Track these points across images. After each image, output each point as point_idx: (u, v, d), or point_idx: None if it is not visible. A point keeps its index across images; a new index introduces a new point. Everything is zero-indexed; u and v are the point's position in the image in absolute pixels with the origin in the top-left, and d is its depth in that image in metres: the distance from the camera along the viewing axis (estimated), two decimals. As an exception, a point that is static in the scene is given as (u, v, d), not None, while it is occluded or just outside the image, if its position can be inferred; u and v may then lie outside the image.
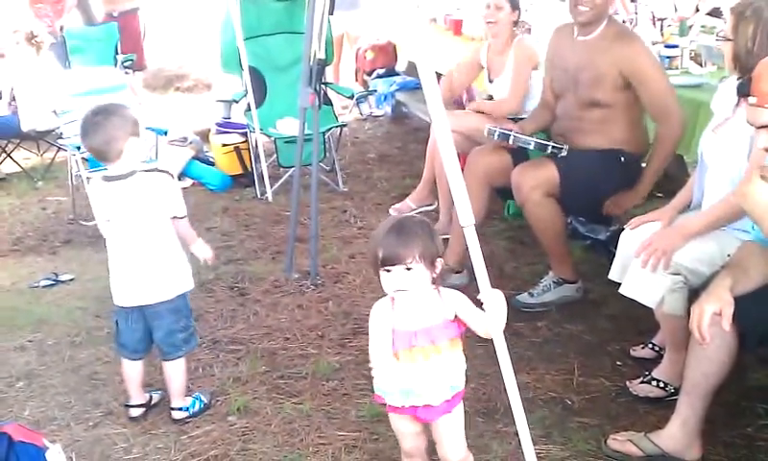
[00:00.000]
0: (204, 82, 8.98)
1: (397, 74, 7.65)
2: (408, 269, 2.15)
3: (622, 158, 3.61)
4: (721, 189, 2.83)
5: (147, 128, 4.99)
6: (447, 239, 4.08)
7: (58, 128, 5.77)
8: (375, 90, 7.66)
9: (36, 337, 3.79)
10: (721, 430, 2.79)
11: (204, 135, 6.39)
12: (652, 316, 2.99)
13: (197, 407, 3.09)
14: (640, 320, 3.35)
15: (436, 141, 4.29)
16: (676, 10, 5.62)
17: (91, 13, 8.05)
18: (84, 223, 5.11)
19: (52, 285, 4.37)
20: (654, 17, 5.20)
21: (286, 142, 5.43)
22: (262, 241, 4.83)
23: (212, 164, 6.10)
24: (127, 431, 3.02)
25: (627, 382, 3.11)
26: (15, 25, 6.16)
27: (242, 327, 3.76)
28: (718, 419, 2.77)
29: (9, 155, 6.41)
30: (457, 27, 6.14)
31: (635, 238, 3.03)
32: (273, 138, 5.63)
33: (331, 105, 5.88)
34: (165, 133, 5.78)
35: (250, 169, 5.84)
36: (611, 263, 3.21)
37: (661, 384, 3.01)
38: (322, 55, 4.18)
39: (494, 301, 2.20)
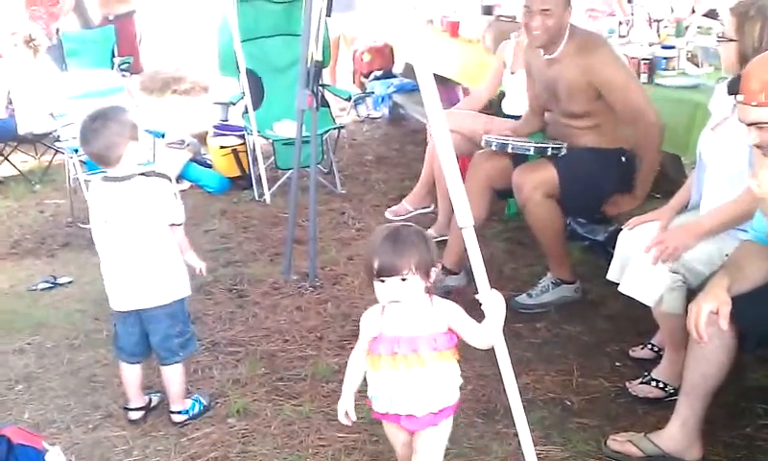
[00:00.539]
0: (201, 84, 8.97)
1: (395, 76, 7.65)
2: (403, 280, 2.12)
3: (623, 158, 3.63)
4: (720, 188, 2.84)
5: (144, 131, 4.98)
6: (446, 240, 4.09)
7: (55, 130, 5.76)
8: (373, 92, 7.65)
9: (34, 340, 3.78)
10: (721, 430, 2.80)
11: (202, 138, 6.38)
12: (650, 317, 3.00)
13: (196, 409, 3.09)
14: (639, 320, 3.36)
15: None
16: (672, 11, 5.62)
17: (88, 17, 8.06)
18: (81, 226, 5.10)
19: (50, 288, 4.37)
20: (650, 18, 5.20)
21: (284, 144, 5.43)
22: (260, 243, 4.83)
23: (210, 167, 6.10)
24: (126, 434, 3.02)
25: (626, 383, 3.12)
26: (13, 27, 6.15)
27: (241, 329, 3.76)
28: (718, 419, 2.77)
29: (6, 158, 6.40)
30: (454, 29, 6.15)
31: (633, 238, 3.04)
32: (270, 140, 5.63)
33: (329, 107, 5.88)
34: (162, 136, 5.78)
35: (247, 171, 5.84)
36: (609, 264, 3.22)
37: (661, 385, 3.02)
38: (319, 57, 4.18)
39: (493, 302, 2.21)
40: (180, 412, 3.06)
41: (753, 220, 2.59)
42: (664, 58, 4.41)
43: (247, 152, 5.81)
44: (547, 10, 3.51)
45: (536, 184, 3.57)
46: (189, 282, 3.04)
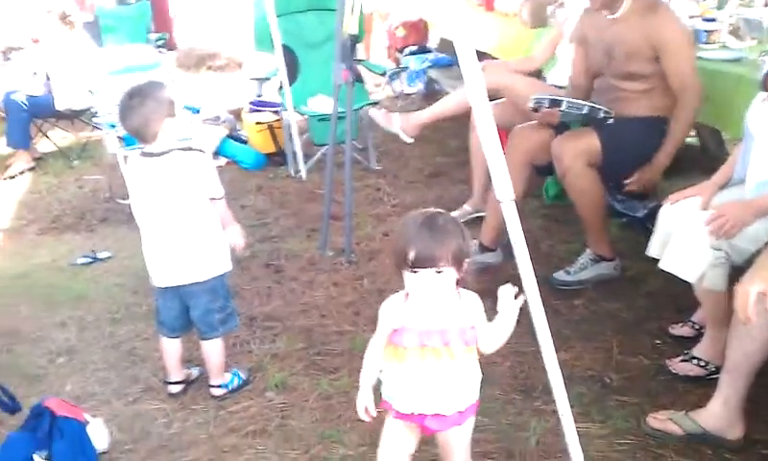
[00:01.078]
0: (236, 60, 8.98)
1: (429, 51, 7.60)
2: (439, 272, 1.98)
3: (665, 127, 3.56)
4: (768, 161, 2.78)
5: (181, 107, 5.00)
6: (480, 217, 4.06)
7: (93, 106, 5.82)
8: (407, 67, 7.61)
9: (75, 314, 3.84)
10: (764, 410, 2.75)
11: (237, 114, 6.41)
12: (691, 294, 2.96)
13: (235, 383, 3.12)
14: (679, 298, 3.31)
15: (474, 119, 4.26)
16: (714, -18, 5.49)
17: (123, -7, 8.11)
18: (120, 201, 5.16)
19: (90, 263, 4.43)
20: (692, -10, 5.09)
21: (319, 120, 5.42)
22: (296, 219, 4.85)
23: (245, 143, 6.12)
24: (166, 407, 3.05)
25: (666, 361, 3.09)
26: (48, 5, 6.20)
27: (278, 304, 3.78)
28: (761, 398, 2.73)
29: (45, 134, 6.48)
30: (489, 2, 6.06)
31: (675, 214, 2.99)
32: (306, 116, 5.62)
33: (363, 82, 5.85)
34: (198, 112, 5.81)
35: (283, 147, 5.85)
36: (648, 240, 3.17)
37: (702, 363, 2.98)
38: (354, 31, 4.16)
39: (511, 303, 2.13)
40: (219, 386, 3.09)
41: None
42: (706, 31, 4.31)
43: (282, 128, 5.82)
44: None
45: (577, 153, 3.52)
46: (229, 258, 3.06)
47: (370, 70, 6.19)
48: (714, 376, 2.74)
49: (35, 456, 2.65)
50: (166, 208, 2.89)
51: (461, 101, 4.45)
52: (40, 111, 6.24)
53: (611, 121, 3.59)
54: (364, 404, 2.13)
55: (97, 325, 3.71)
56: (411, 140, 4.67)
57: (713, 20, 4.44)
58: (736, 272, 2.59)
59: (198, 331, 3.08)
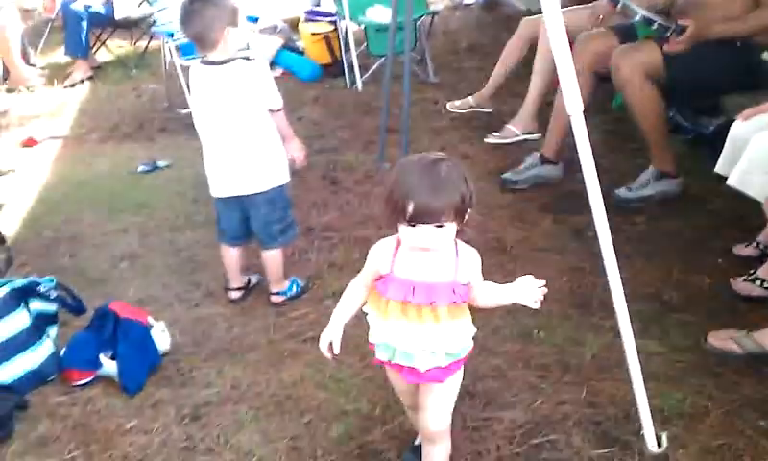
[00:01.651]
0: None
1: (489, -41, 7.38)
2: (439, 227, 1.78)
3: (738, 43, 3.41)
4: None
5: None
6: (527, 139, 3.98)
7: (151, 15, 5.81)
8: (466, -24, 7.43)
9: (136, 220, 3.91)
10: (828, 331, 2.70)
11: (293, 24, 6.34)
12: (757, 214, 2.88)
13: (294, 291, 3.16)
14: (744, 218, 3.23)
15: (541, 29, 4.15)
16: None
17: None
18: (178, 111, 5.19)
19: (150, 171, 4.49)
20: None
21: (376, 30, 5.34)
22: (353, 131, 4.82)
23: (301, 53, 6.06)
24: (227, 312, 3.12)
25: (730, 280, 3.02)
26: None
27: (335, 216, 3.80)
28: (826, 320, 2.68)
29: (103, 43, 6.52)
30: None
31: (747, 130, 2.89)
32: (363, 26, 5.54)
33: (422, -8, 5.73)
34: (256, 21, 5.76)
35: (339, 58, 5.79)
36: (715, 158, 3.08)
37: (766, 284, 2.92)
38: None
39: (527, 284, 1.92)
40: (278, 293, 3.14)
41: None
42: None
43: (339, 38, 5.75)
44: None
45: (635, 65, 3.41)
46: (288, 169, 3.06)
47: (428, -21, 6.04)
48: (779, 298, 2.69)
49: (100, 356, 2.74)
50: (226, 118, 2.88)
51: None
52: (99, 21, 6.26)
53: (668, 34, 3.44)
54: (329, 339, 1.95)
55: (158, 231, 3.78)
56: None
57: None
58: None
59: (258, 241, 3.11)
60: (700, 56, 3.40)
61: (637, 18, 3.52)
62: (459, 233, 1.86)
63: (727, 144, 3.00)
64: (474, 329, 1.96)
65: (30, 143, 5.05)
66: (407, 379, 2.00)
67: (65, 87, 6.11)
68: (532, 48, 4.42)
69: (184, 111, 4.96)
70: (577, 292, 3.08)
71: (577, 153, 2.11)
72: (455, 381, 2.02)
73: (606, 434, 2.36)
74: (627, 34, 3.62)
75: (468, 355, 1.99)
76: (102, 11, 6.18)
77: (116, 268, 3.51)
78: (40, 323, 2.82)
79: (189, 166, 4.33)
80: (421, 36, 5.60)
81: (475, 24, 6.95)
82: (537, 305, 1.88)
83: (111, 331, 2.83)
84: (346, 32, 5.56)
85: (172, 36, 5.09)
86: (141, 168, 4.52)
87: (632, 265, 3.19)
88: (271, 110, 2.94)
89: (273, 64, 5.83)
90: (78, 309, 2.96)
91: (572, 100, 2.09)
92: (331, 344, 1.94)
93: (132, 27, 6.43)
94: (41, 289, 2.82)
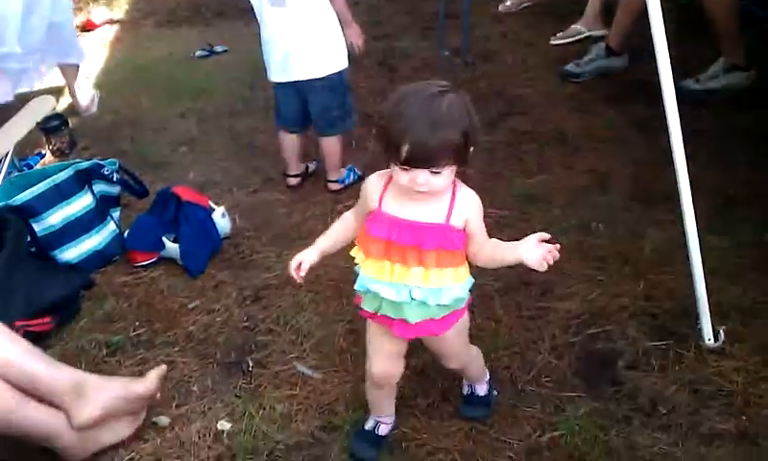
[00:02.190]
0: None
1: None
2: (436, 172, 1.56)
3: None
4: None
5: None
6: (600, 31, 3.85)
7: None
8: None
9: (195, 106, 3.93)
10: None
11: None
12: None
13: (351, 179, 3.17)
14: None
15: None
16: None
17: None
18: (235, -5, 5.13)
19: (207, 56, 4.48)
20: None
21: None
22: (410, 17, 4.72)
23: (359, -64, 5.89)
24: (285, 198, 3.15)
25: (798, 175, 2.94)
26: None
27: (392, 104, 3.75)
28: None
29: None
30: None
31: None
32: None
33: None
34: None
35: (397, -59, 5.60)
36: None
37: (836, 183, 2.83)
38: None
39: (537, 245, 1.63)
40: (336, 181, 3.15)
41: None
42: None
43: None
44: None
45: None
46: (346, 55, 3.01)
47: None
48: None
49: (163, 238, 2.80)
50: (286, 2, 2.83)
51: None
52: None
53: None
54: (298, 260, 1.79)
55: (216, 117, 3.80)
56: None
57: None
58: None
59: (316, 128, 3.10)
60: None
61: None
62: (460, 174, 1.64)
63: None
64: (472, 281, 1.74)
65: (89, 26, 5.07)
66: (398, 333, 1.78)
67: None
68: None
69: (241, -4, 4.89)
70: (640, 184, 3.03)
71: (643, 43, 2.03)
72: (457, 329, 1.83)
73: (662, 327, 2.35)
74: None
75: (466, 306, 1.80)
76: None
77: (176, 152, 3.55)
78: (104, 205, 2.88)
79: (246, 52, 4.30)
80: None
81: None
82: (544, 268, 1.60)
83: (173, 214, 2.88)
84: None
85: None
86: (198, 53, 4.52)
87: (696, 159, 3.09)
88: None
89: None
90: (140, 192, 3.02)
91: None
92: (300, 264, 1.78)
93: None
94: (105, 171, 2.87)
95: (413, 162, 1.54)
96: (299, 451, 2.02)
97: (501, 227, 2.85)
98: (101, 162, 2.89)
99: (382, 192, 1.69)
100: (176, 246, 2.78)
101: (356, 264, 1.77)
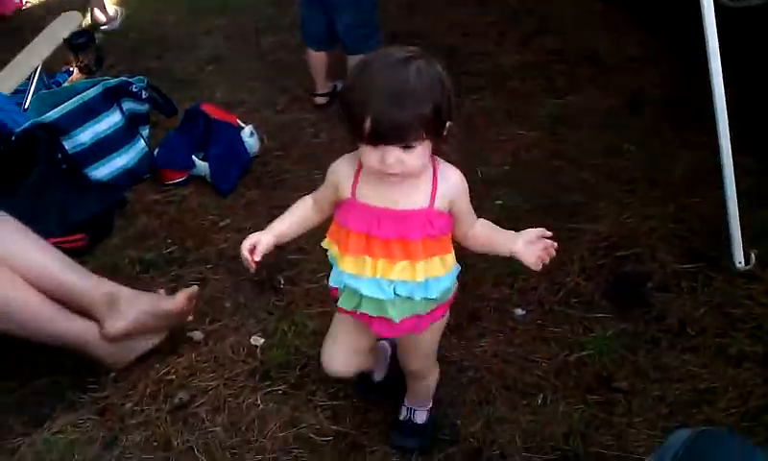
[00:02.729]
0: None
1: None
2: (407, 147, 1.36)
3: None
4: None
5: None
6: None
7: None
8: None
9: (220, 23, 3.89)
10: None
11: None
12: None
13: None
14: None
15: None
16: None
17: None
18: None
19: (231, -29, 4.40)
20: None
21: None
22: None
23: None
24: (313, 117, 3.14)
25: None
26: None
27: (420, 21, 3.71)
28: None
29: None
30: None
31: None
32: None
33: None
34: None
35: None
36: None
37: None
38: None
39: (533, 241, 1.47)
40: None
41: None
42: None
43: None
44: None
45: None
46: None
47: None
48: None
49: (192, 156, 2.81)
50: None
51: None
52: None
53: None
54: (253, 241, 1.55)
55: (242, 34, 3.76)
56: None
57: None
58: None
59: (343, 46, 3.07)
60: None
61: None
62: (437, 152, 1.46)
63: None
64: (459, 268, 1.58)
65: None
66: (378, 332, 1.63)
67: None
68: None
69: None
70: (670, 106, 2.98)
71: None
72: (437, 328, 1.70)
73: (692, 250, 2.35)
74: None
75: (451, 299, 1.64)
76: None
77: (203, 70, 3.53)
78: (133, 122, 2.88)
79: (271, -33, 4.24)
80: None
81: None
82: (539, 267, 1.47)
83: (202, 130, 2.88)
84: None
85: None
86: (222, -32, 4.43)
87: (730, 79, 3.05)
88: None
89: None
90: (168, 110, 3.01)
91: None
92: (255, 247, 1.54)
93: None
94: (133, 89, 2.85)
95: (378, 138, 1.34)
96: (330, 367, 2.06)
97: (530, 147, 2.84)
98: (129, 79, 2.87)
99: (354, 178, 1.48)
100: (205, 164, 2.79)
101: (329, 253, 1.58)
